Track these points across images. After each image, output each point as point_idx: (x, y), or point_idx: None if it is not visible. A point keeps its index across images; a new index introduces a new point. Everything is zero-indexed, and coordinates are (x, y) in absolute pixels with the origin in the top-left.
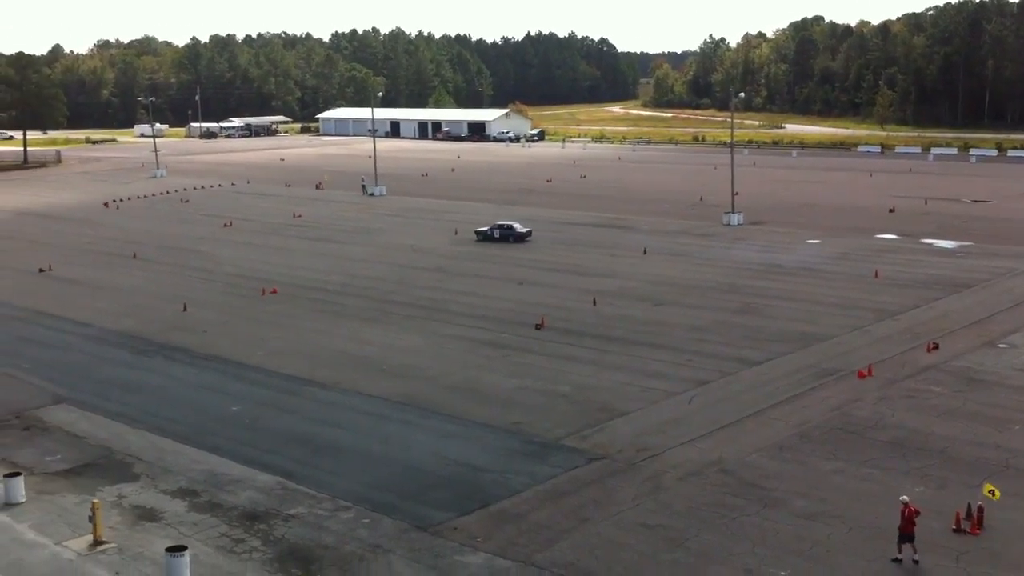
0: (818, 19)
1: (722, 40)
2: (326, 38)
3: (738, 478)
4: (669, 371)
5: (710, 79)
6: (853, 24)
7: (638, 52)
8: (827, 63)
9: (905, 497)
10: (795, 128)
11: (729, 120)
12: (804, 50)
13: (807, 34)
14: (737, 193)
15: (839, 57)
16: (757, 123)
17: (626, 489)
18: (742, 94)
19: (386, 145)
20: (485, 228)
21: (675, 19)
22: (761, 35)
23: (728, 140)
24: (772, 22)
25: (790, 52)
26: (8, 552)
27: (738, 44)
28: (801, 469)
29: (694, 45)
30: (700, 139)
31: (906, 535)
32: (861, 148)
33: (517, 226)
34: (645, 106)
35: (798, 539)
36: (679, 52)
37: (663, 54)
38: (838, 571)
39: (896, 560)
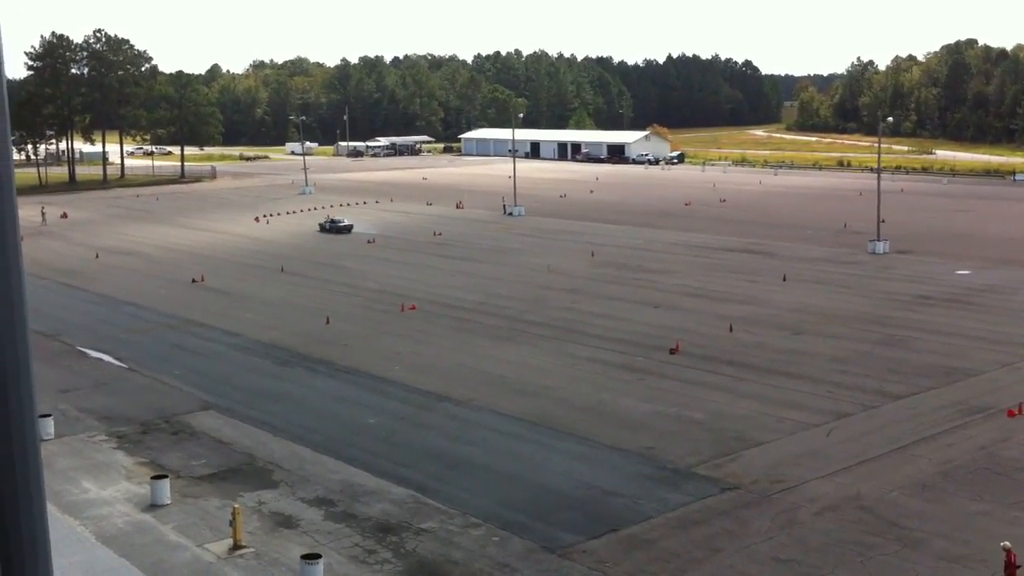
0: (971, 42)
1: (870, 63)
2: (470, 60)
3: (877, 515)
4: (807, 402)
5: (857, 103)
6: (1009, 48)
7: (783, 74)
8: (981, 87)
9: (1007, 543)
10: (946, 154)
11: (876, 145)
12: (957, 74)
13: (960, 57)
14: (883, 220)
15: (994, 81)
16: (906, 148)
17: (759, 521)
18: (890, 118)
19: (525, 166)
20: (323, 221)
21: (822, 41)
22: (912, 58)
23: (875, 165)
24: (923, 45)
25: (942, 76)
26: (151, 552)
27: (887, 67)
28: (944, 509)
29: (841, 67)
30: (845, 164)
31: None
32: (1017, 176)
33: (344, 220)
34: (789, 129)
35: None
36: (825, 75)
37: (808, 76)
38: None
39: None
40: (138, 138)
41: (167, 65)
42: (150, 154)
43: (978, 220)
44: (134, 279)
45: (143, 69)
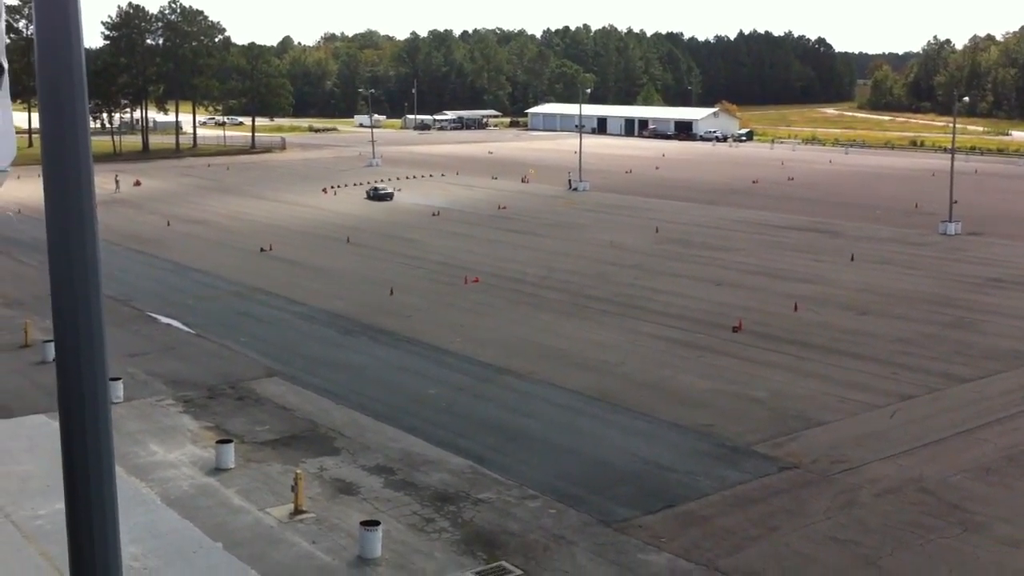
0: None
1: (947, 42)
2: (538, 34)
3: (939, 498)
4: (871, 383)
5: (932, 82)
6: None
7: (856, 52)
8: None
9: None
10: (1022, 136)
11: (950, 125)
12: None
13: None
14: (956, 201)
15: None
16: (981, 129)
17: (818, 501)
18: (966, 98)
19: (592, 141)
20: (368, 190)
21: (897, 19)
22: (990, 37)
23: (948, 146)
24: (1002, 24)
25: (1021, 56)
26: (214, 515)
27: (964, 46)
28: (1008, 494)
29: (916, 46)
30: (918, 144)
31: None
32: None
33: (387, 188)
34: (861, 108)
35: (999, 567)
36: (900, 53)
37: (883, 55)
38: None
39: None
40: (210, 108)
41: (240, 37)
42: (222, 124)
43: None
44: (204, 247)
45: (216, 40)
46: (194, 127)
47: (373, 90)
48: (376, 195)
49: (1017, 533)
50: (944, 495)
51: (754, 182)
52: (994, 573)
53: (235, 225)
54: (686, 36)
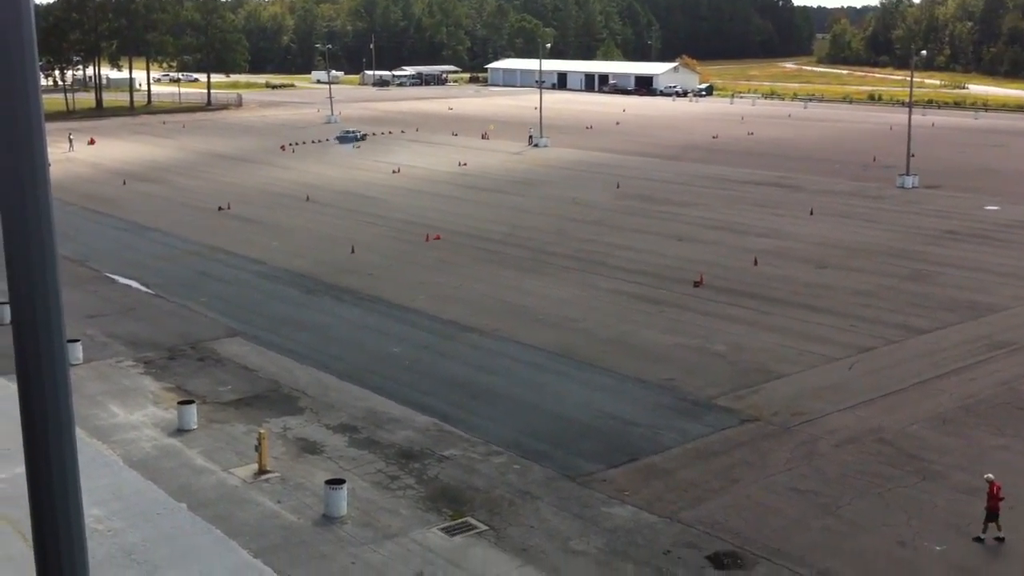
0: None
1: None
2: None
3: (897, 448)
4: (830, 335)
5: (890, 36)
6: None
7: (815, 6)
8: (1017, 22)
9: (990, 475)
10: (979, 89)
11: (908, 79)
12: (992, 8)
13: None
14: (913, 155)
15: None
16: (938, 83)
17: (779, 453)
18: (924, 52)
19: (552, 97)
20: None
21: None
22: None
23: (906, 99)
24: None
25: (977, 10)
26: (178, 476)
27: (922, 0)
28: (964, 443)
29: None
30: (876, 98)
31: (992, 513)
32: None
33: (356, 132)
34: (820, 63)
35: (956, 514)
36: (858, 7)
37: (841, 9)
38: (997, 549)
39: (978, 539)
40: (165, 65)
41: None
42: (176, 81)
43: (1009, 156)
44: (161, 206)
45: None
46: (148, 84)
47: (330, 46)
48: (346, 138)
49: (973, 481)
50: (902, 445)
51: (714, 137)
52: (952, 520)
53: (192, 184)
54: None
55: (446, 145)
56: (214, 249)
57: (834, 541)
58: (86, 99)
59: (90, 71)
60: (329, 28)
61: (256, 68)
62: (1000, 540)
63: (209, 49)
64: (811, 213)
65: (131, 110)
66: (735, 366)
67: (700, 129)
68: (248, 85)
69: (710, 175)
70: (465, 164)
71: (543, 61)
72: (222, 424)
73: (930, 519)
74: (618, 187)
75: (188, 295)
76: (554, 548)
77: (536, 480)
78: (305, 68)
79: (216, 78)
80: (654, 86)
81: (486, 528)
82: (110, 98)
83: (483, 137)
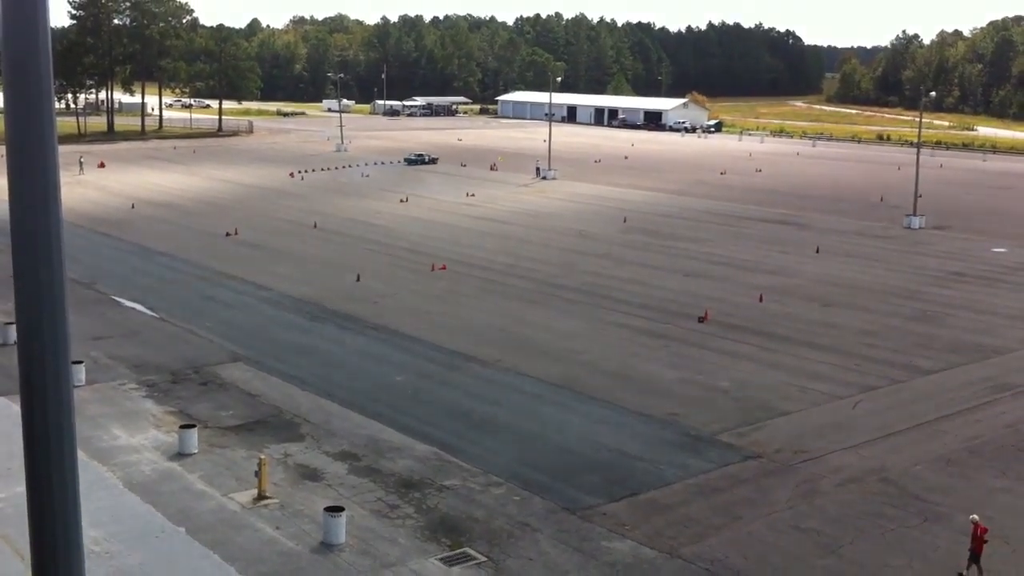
0: (1019, 19)
1: (915, 36)
2: (510, 21)
3: (900, 488)
4: (834, 374)
5: (900, 76)
6: None
7: (825, 45)
8: None
9: (975, 516)
10: (988, 131)
11: (917, 119)
12: (1002, 51)
13: (1006, 34)
14: (921, 195)
15: None
16: (947, 124)
17: (781, 490)
18: (933, 93)
19: (561, 130)
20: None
21: (866, 13)
22: (957, 33)
23: (915, 139)
24: (969, 20)
25: (987, 52)
26: (177, 500)
27: (932, 41)
28: (968, 485)
29: (885, 40)
30: (885, 138)
31: (975, 554)
32: None
33: (426, 156)
34: (829, 101)
35: (958, 556)
36: (868, 47)
37: (852, 48)
38: None
39: None
40: (177, 90)
41: (208, 18)
42: (188, 107)
43: (1018, 198)
44: (169, 230)
45: (184, 21)
46: (160, 109)
47: (342, 75)
48: (419, 160)
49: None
50: (905, 485)
51: (722, 173)
52: (954, 562)
53: (201, 208)
54: (657, 26)
55: (454, 175)
56: (220, 274)
57: None
58: (98, 123)
59: (103, 95)
60: (341, 57)
61: (268, 95)
62: None
63: (221, 76)
64: (817, 251)
65: (142, 135)
66: (739, 402)
67: (708, 165)
68: (260, 112)
69: (717, 211)
70: (473, 195)
71: (553, 94)
72: (223, 449)
73: (932, 561)
74: (625, 221)
75: (193, 319)
76: None
77: (536, 512)
78: (316, 96)
79: (228, 104)
80: (663, 121)
81: (485, 559)
82: (122, 122)
83: (491, 168)
